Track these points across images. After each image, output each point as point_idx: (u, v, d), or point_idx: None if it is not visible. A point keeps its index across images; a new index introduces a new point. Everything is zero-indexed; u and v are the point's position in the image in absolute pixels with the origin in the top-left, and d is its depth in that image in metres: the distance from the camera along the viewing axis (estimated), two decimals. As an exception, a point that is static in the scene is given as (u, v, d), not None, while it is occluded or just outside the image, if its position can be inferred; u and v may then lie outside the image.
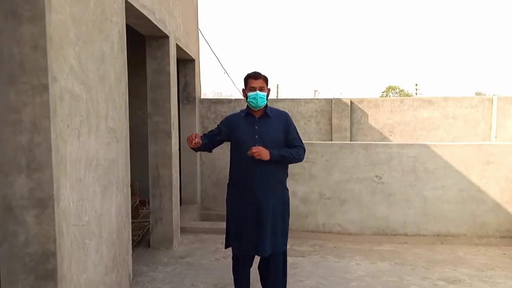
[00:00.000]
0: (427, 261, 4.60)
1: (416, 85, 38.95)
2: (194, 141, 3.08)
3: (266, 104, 3.18)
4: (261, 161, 3.03)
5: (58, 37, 2.24)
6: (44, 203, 2.18)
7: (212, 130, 3.35)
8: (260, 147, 3.02)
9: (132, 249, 3.77)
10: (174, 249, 4.93)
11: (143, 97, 5.14)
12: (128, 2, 3.38)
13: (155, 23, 4.20)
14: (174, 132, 5.05)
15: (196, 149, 3.27)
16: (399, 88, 46.14)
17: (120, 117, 3.21)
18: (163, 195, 4.94)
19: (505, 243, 5.14)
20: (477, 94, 37.24)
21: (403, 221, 5.37)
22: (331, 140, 7.45)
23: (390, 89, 46.52)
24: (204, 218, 7.18)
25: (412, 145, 5.44)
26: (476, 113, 7.56)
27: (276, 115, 3.23)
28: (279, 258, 3.22)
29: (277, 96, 25.84)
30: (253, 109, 3.17)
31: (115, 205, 3.12)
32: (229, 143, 3.30)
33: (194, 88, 7.08)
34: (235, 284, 3.35)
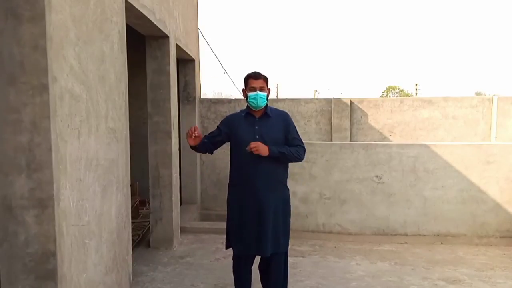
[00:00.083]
0: (427, 261, 4.60)
1: (416, 85, 38.95)
2: (194, 134, 3.07)
3: (266, 104, 3.18)
4: (262, 161, 3.03)
5: (58, 37, 2.24)
6: (44, 203, 2.18)
7: (211, 132, 3.33)
8: (258, 142, 3.01)
9: (132, 249, 3.77)
10: (174, 249, 4.93)
11: (143, 97, 5.14)
12: (128, 2, 3.38)
13: (155, 23, 4.20)
14: (174, 132, 5.05)
15: (197, 150, 3.26)
16: (399, 88, 46.14)
17: (120, 117, 3.21)
18: (163, 195, 4.94)
19: (505, 243, 5.14)
20: (477, 94, 37.23)
21: (403, 221, 5.37)
22: (331, 140, 7.45)
23: (390, 89, 46.51)
24: (204, 218, 7.18)
25: (412, 145, 5.44)
26: (476, 113, 7.56)
27: (276, 115, 3.23)
28: (281, 258, 3.22)
29: (277, 96, 25.83)
30: (253, 109, 3.16)
31: (115, 205, 3.12)
32: (229, 143, 3.30)
33: (194, 88, 7.09)
34: (235, 284, 3.35)
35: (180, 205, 6.22)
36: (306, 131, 7.61)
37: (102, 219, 2.87)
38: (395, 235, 5.36)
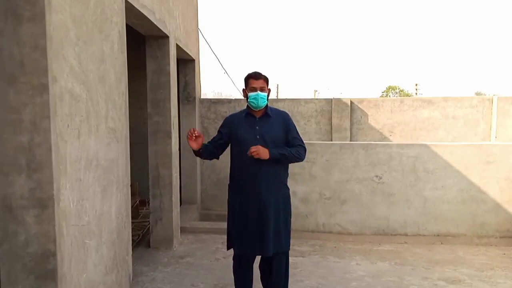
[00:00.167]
0: (427, 261, 4.60)
1: (416, 85, 38.93)
2: (194, 135, 3.06)
3: (267, 104, 3.18)
4: (263, 161, 3.02)
5: (58, 37, 2.24)
6: (44, 203, 2.18)
7: (213, 137, 3.31)
8: (259, 146, 3.01)
9: (132, 249, 3.77)
10: (174, 249, 4.93)
11: (143, 97, 5.14)
12: (128, 2, 3.38)
13: (155, 23, 4.20)
14: (174, 132, 5.05)
15: (202, 156, 3.22)
16: (399, 88, 46.13)
17: (120, 117, 3.21)
18: (163, 195, 4.94)
19: (505, 243, 5.14)
20: (477, 94, 37.22)
21: (403, 221, 5.37)
22: (331, 140, 7.45)
23: (390, 89, 46.51)
24: (204, 218, 7.18)
25: (412, 145, 5.44)
26: (476, 113, 7.56)
27: (276, 115, 3.23)
28: (282, 258, 3.22)
29: (277, 96, 25.82)
30: (253, 109, 3.16)
31: (115, 205, 3.12)
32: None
33: (194, 88, 7.09)
34: (235, 284, 3.35)
35: (180, 205, 6.23)
36: (306, 131, 7.61)
37: (102, 219, 2.87)
38: (395, 235, 5.36)
